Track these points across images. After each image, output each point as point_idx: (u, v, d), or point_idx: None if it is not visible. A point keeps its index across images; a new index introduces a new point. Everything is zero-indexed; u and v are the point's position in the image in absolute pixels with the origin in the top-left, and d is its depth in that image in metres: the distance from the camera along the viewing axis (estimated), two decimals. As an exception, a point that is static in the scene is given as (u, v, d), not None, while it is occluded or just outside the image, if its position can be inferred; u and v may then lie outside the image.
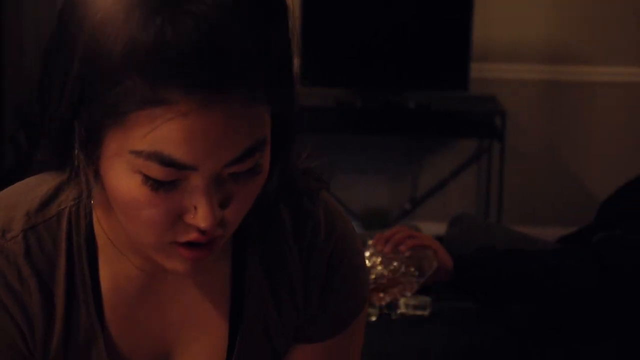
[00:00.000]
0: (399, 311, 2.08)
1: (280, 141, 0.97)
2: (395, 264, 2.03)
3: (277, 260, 1.09)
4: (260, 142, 0.91)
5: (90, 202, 1.03)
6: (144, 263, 1.05)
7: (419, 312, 2.08)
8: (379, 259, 2.04)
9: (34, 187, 1.05)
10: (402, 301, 2.08)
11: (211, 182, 0.90)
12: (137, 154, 0.89)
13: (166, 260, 0.97)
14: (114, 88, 0.87)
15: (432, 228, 3.95)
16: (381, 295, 2.02)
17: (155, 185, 0.90)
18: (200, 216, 0.91)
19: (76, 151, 0.94)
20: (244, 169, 0.92)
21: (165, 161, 0.88)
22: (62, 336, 1.05)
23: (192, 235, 0.93)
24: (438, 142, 4.80)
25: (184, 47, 0.85)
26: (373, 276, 2.02)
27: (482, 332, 2.01)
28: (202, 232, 0.93)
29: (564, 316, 2.06)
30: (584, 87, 4.72)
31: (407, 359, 1.89)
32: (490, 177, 4.70)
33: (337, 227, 1.11)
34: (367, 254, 2.05)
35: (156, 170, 0.89)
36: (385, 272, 2.01)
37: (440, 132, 4.55)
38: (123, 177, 0.91)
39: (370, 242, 2.08)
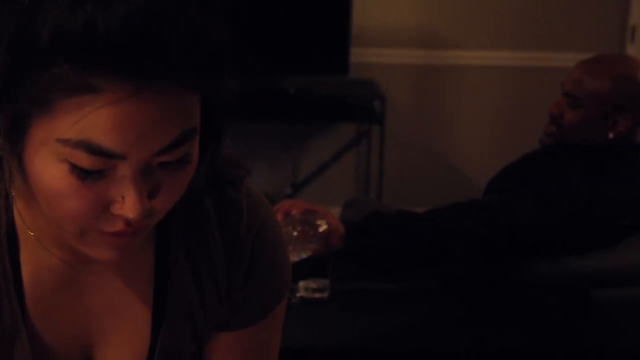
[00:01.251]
0: (298, 294, 2.09)
1: (210, 131, 0.96)
2: (288, 228, 2.04)
3: (200, 249, 1.08)
4: (190, 131, 0.90)
5: (12, 193, 0.99)
6: (66, 255, 1.03)
7: (317, 295, 2.09)
8: None
9: None
10: (300, 285, 2.09)
11: (140, 172, 0.89)
12: (64, 142, 0.86)
13: (90, 249, 0.95)
14: (41, 75, 0.85)
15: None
16: None
17: (82, 174, 0.88)
18: (128, 206, 0.89)
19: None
20: (173, 159, 0.90)
21: (93, 150, 0.86)
22: None
23: (118, 227, 0.92)
24: (318, 126, 4.83)
25: (115, 33, 0.83)
26: None
27: (385, 311, 2.04)
28: (128, 222, 0.91)
29: (462, 274, 2.11)
30: (457, 70, 4.84)
31: (310, 342, 1.90)
32: (369, 161, 4.76)
33: (259, 216, 1.11)
34: None
35: (83, 159, 0.87)
36: None
37: (320, 116, 4.57)
38: (49, 167, 0.88)
39: None
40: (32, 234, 1.02)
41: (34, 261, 1.03)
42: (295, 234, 2.04)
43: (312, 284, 2.09)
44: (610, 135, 2.30)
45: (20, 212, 1.02)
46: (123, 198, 0.89)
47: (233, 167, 1.08)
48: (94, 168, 0.87)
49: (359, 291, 2.16)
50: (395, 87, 4.76)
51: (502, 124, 4.91)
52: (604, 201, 2.18)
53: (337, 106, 4.56)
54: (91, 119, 0.85)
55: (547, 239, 2.14)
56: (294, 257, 2.03)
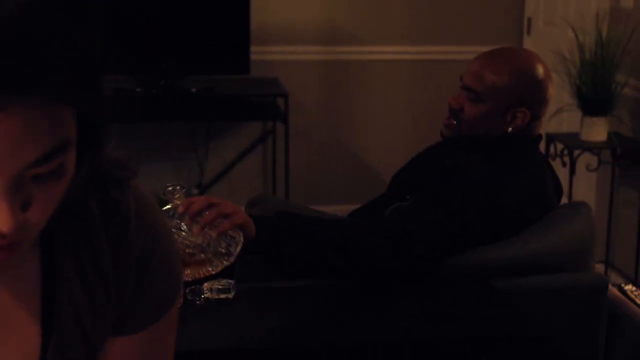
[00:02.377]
0: (203, 296, 2.08)
1: (87, 141, 0.94)
2: (202, 241, 2.02)
3: (87, 254, 1.07)
4: (62, 143, 0.89)
5: None
6: None
7: (223, 296, 2.08)
8: (187, 232, 2.03)
9: None
10: (205, 286, 2.07)
11: (11, 185, 0.87)
12: None
13: None
14: None
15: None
16: (187, 272, 2.00)
17: None
18: (1, 220, 0.88)
19: None
20: (46, 171, 0.89)
21: None
22: None
23: None
24: (223, 126, 4.81)
25: None
26: (188, 250, 2.01)
27: (291, 307, 2.04)
28: (3, 236, 0.89)
29: (361, 285, 2.13)
30: (359, 66, 4.88)
31: (216, 343, 1.89)
32: (275, 159, 4.76)
33: (147, 218, 1.10)
34: (177, 222, 2.04)
35: None
36: (190, 250, 2.00)
37: (224, 115, 4.56)
38: None
39: (180, 209, 2.07)
40: None
41: None
42: (210, 250, 2.02)
43: (217, 284, 2.08)
44: (509, 129, 2.33)
45: None
46: None
47: (118, 169, 1.06)
48: None
49: (265, 290, 2.15)
50: (298, 84, 4.77)
51: (407, 118, 4.97)
52: (504, 193, 2.22)
53: (240, 105, 4.55)
54: None
55: (450, 246, 2.18)
56: (202, 274, 2.01)
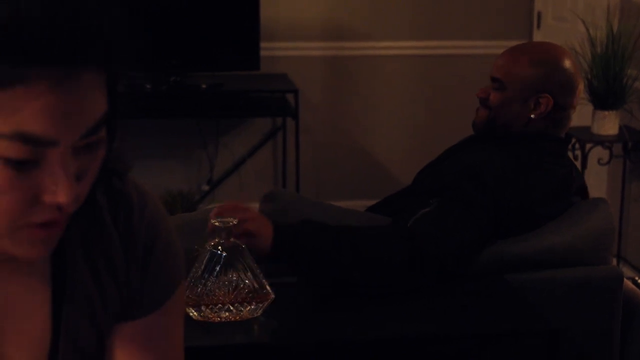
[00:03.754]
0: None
1: (112, 118, 0.98)
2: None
3: (97, 243, 1.09)
4: (104, 116, 0.94)
5: None
6: None
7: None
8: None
9: None
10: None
11: (69, 156, 0.92)
12: (1, 136, 0.88)
13: (18, 247, 0.96)
14: None
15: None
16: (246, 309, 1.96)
17: (17, 166, 0.90)
18: (61, 191, 0.91)
19: None
20: (95, 140, 0.94)
21: (29, 139, 0.88)
22: None
23: (49, 215, 0.94)
24: (233, 122, 4.81)
25: (40, 24, 0.86)
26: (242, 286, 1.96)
27: (293, 305, 2.04)
28: (59, 209, 0.93)
29: (373, 288, 2.12)
30: (366, 61, 4.87)
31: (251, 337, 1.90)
32: (285, 154, 4.76)
33: (148, 205, 1.13)
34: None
35: (18, 150, 0.89)
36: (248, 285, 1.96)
37: (234, 112, 4.56)
38: None
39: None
40: None
41: None
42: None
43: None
44: (532, 116, 2.37)
45: None
46: (55, 184, 0.91)
47: (117, 159, 1.09)
48: (28, 157, 0.89)
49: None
50: (307, 80, 4.77)
51: (416, 112, 4.96)
52: (525, 192, 2.23)
53: (250, 101, 4.55)
54: (25, 110, 0.87)
55: (478, 248, 2.18)
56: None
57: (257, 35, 4.43)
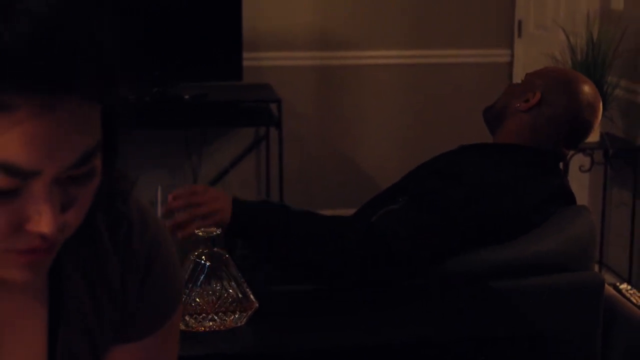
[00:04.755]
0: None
1: (109, 144, 0.96)
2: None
3: (94, 264, 1.08)
4: (96, 146, 0.91)
5: None
6: None
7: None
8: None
9: None
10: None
11: (53, 186, 0.89)
12: None
13: (4, 271, 0.94)
14: None
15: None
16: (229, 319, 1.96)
17: None
18: (44, 222, 0.89)
19: None
20: (82, 173, 0.91)
21: (9, 169, 0.85)
22: None
23: (33, 243, 0.91)
24: (216, 132, 4.82)
25: (22, 49, 0.83)
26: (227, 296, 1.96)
27: (295, 313, 2.05)
28: (43, 238, 0.91)
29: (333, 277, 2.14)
30: (352, 71, 4.89)
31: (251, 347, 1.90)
32: (269, 165, 4.77)
33: (150, 227, 1.11)
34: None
35: (1, 180, 0.86)
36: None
37: (217, 122, 4.57)
38: None
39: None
40: None
41: None
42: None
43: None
44: (518, 105, 2.43)
45: None
46: (38, 214, 0.89)
47: (120, 179, 1.07)
48: (9, 187, 0.87)
49: (276, 294, 2.16)
50: (291, 90, 4.78)
51: (401, 122, 4.98)
52: (501, 197, 2.24)
53: (233, 111, 4.56)
54: (6, 139, 0.84)
55: (438, 249, 2.18)
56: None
57: (240, 46, 4.44)
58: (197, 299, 1.92)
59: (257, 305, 1.95)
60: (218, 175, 4.83)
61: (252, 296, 1.95)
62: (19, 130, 0.84)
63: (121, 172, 1.06)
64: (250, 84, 4.63)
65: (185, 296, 1.91)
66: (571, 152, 3.86)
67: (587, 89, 2.43)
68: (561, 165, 2.59)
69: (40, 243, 0.91)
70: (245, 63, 4.47)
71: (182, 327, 1.91)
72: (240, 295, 1.94)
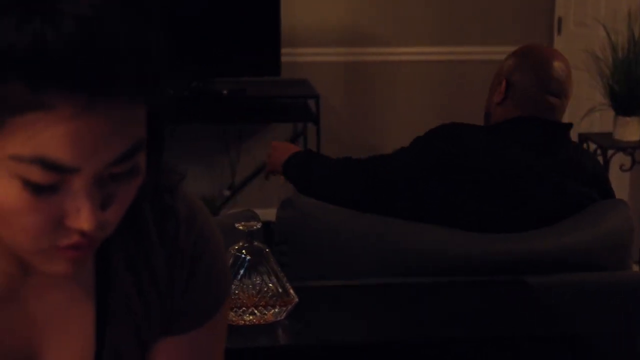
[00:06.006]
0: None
1: (154, 141, 0.96)
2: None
3: (141, 257, 1.08)
4: (139, 142, 0.91)
5: None
6: (9, 265, 1.02)
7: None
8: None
9: None
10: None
11: (93, 184, 0.89)
12: (19, 159, 0.86)
13: (46, 264, 0.95)
14: None
15: (252, 213, 3.97)
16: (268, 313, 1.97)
17: (36, 190, 0.88)
18: (83, 218, 0.89)
19: None
20: (124, 170, 0.91)
21: (48, 165, 0.86)
22: None
23: (73, 239, 0.92)
24: (255, 127, 4.83)
25: (64, 49, 0.83)
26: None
27: (338, 307, 2.05)
28: (83, 234, 0.91)
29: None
30: (387, 67, 4.88)
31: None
32: (306, 160, 4.76)
33: (197, 222, 1.11)
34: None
35: (38, 175, 0.87)
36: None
37: (255, 117, 4.58)
38: (1, 184, 0.88)
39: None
40: None
41: None
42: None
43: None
44: (495, 100, 2.48)
45: None
46: (77, 210, 0.89)
47: (168, 172, 1.08)
48: (48, 183, 0.87)
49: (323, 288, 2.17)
50: (328, 86, 4.78)
51: (435, 117, 4.95)
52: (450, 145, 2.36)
53: (271, 106, 4.57)
54: (45, 135, 0.85)
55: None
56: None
57: (278, 41, 4.45)
58: (238, 293, 1.93)
59: (296, 299, 1.96)
60: (256, 170, 4.84)
61: (291, 291, 1.96)
62: (59, 128, 0.85)
63: (169, 165, 1.06)
64: (288, 79, 4.63)
65: None
66: (611, 152, 3.84)
67: (545, 55, 2.48)
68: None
69: (80, 239, 0.92)
70: (283, 59, 4.48)
71: (223, 320, 1.92)
72: (280, 290, 1.94)
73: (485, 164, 2.30)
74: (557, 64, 2.45)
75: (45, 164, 0.86)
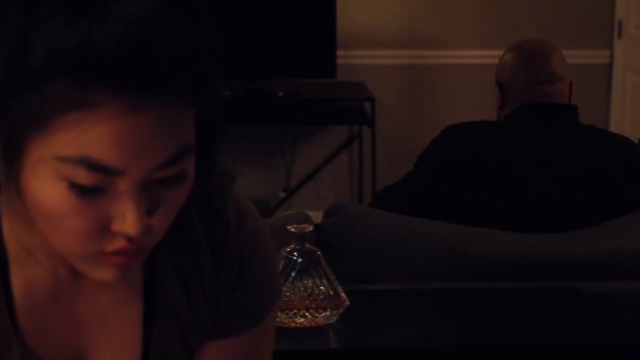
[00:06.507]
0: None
1: (204, 145, 0.95)
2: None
3: (189, 261, 1.08)
4: (187, 147, 0.90)
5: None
6: (58, 269, 1.03)
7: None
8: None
9: None
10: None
11: (139, 187, 0.89)
12: (65, 159, 0.86)
13: (92, 270, 0.95)
14: (37, 93, 0.84)
15: (307, 215, 3.98)
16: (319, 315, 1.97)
17: (82, 192, 0.87)
18: (129, 223, 0.89)
19: None
20: (171, 174, 0.90)
21: (94, 166, 0.86)
22: None
23: (120, 244, 0.91)
24: (309, 129, 4.84)
25: (112, 49, 0.83)
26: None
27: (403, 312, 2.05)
28: (129, 240, 0.90)
29: None
30: (443, 70, 4.86)
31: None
32: (362, 163, 4.76)
33: (247, 225, 1.10)
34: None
35: (83, 176, 0.86)
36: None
37: (311, 119, 4.58)
38: (46, 186, 0.88)
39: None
40: (23, 247, 1.01)
41: (25, 274, 1.02)
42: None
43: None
44: (499, 106, 2.57)
45: (10, 225, 1.01)
46: (123, 214, 0.89)
47: (220, 176, 1.07)
48: (93, 184, 0.87)
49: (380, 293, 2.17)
50: (383, 88, 4.77)
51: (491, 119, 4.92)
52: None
53: (327, 109, 4.57)
54: (90, 135, 0.85)
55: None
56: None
57: (334, 43, 4.45)
58: (289, 295, 1.93)
59: (348, 303, 1.95)
60: (311, 172, 4.85)
61: (343, 294, 1.95)
62: (103, 128, 0.84)
63: (220, 168, 1.05)
64: (343, 81, 4.63)
65: None
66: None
67: (526, 47, 2.53)
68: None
69: (126, 245, 0.91)
70: (339, 61, 4.48)
71: (274, 322, 1.93)
72: (331, 293, 1.94)
73: (496, 158, 2.32)
74: (539, 53, 2.46)
75: (90, 164, 0.86)
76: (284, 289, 1.93)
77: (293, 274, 1.94)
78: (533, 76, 2.45)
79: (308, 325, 1.93)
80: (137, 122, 0.85)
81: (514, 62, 2.50)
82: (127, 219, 0.89)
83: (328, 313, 1.94)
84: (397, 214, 2.31)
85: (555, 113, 2.42)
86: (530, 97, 2.44)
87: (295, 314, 1.93)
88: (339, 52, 4.50)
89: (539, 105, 2.43)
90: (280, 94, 4.44)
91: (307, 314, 1.93)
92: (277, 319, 1.91)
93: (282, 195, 4.85)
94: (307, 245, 1.97)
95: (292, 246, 1.95)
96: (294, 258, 1.95)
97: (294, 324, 1.93)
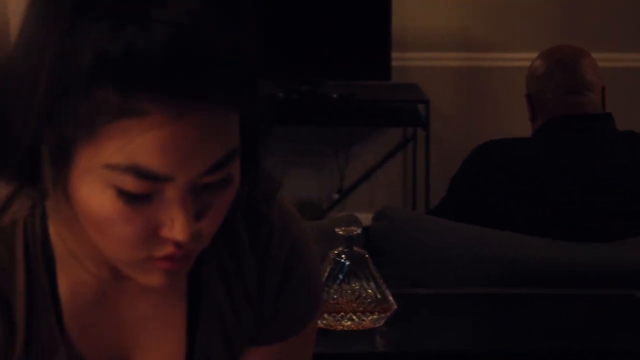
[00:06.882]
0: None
1: (249, 150, 0.95)
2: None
3: (233, 266, 1.08)
4: (233, 151, 0.90)
5: (45, 210, 1.01)
6: (103, 272, 1.04)
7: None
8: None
9: None
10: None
11: (186, 193, 0.89)
12: (113, 167, 0.86)
13: (141, 275, 0.96)
14: (84, 100, 0.85)
15: (360, 218, 3.97)
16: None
17: (130, 199, 0.88)
18: (177, 228, 0.89)
19: (44, 171, 0.90)
20: (217, 179, 0.90)
21: (142, 173, 0.86)
22: (25, 347, 1.03)
23: (168, 250, 0.91)
24: (363, 131, 4.83)
25: (157, 55, 0.83)
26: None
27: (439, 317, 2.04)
28: (178, 245, 0.91)
29: None
30: (498, 73, 4.81)
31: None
32: (416, 165, 4.75)
33: (291, 231, 1.10)
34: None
35: (131, 183, 0.87)
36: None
37: (364, 121, 4.58)
38: (95, 193, 0.89)
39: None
40: (68, 250, 1.03)
41: (71, 277, 1.03)
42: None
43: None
44: (530, 119, 2.59)
45: (57, 229, 1.03)
46: (172, 220, 0.89)
47: (265, 181, 1.07)
48: (142, 192, 0.88)
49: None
50: (438, 91, 4.74)
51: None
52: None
53: (380, 111, 4.56)
54: (138, 143, 0.85)
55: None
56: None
57: (389, 45, 4.44)
58: (336, 298, 1.93)
59: (395, 306, 1.95)
60: (364, 175, 4.84)
61: (391, 298, 1.95)
62: (151, 135, 0.85)
63: (267, 173, 1.05)
64: (398, 83, 4.62)
65: (324, 294, 1.93)
66: None
67: (553, 57, 2.52)
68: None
69: (174, 250, 0.91)
70: (393, 63, 4.47)
71: (321, 324, 1.93)
72: (379, 296, 1.94)
73: (525, 170, 2.30)
74: (566, 61, 2.40)
75: (139, 172, 0.86)
76: (331, 291, 1.93)
77: (341, 276, 1.94)
78: (561, 86, 2.40)
79: (355, 328, 1.93)
80: (184, 128, 0.85)
81: (541, 71, 2.46)
82: (175, 225, 0.89)
83: (375, 316, 1.94)
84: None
85: (584, 124, 2.38)
86: (560, 108, 2.40)
87: (342, 317, 1.93)
88: (394, 54, 4.49)
89: (568, 118, 2.38)
90: (334, 95, 4.44)
91: (354, 317, 1.93)
92: (324, 322, 1.92)
93: (335, 197, 4.85)
94: (356, 248, 1.97)
95: (341, 249, 1.96)
96: (342, 260, 1.95)
97: (341, 327, 1.93)
